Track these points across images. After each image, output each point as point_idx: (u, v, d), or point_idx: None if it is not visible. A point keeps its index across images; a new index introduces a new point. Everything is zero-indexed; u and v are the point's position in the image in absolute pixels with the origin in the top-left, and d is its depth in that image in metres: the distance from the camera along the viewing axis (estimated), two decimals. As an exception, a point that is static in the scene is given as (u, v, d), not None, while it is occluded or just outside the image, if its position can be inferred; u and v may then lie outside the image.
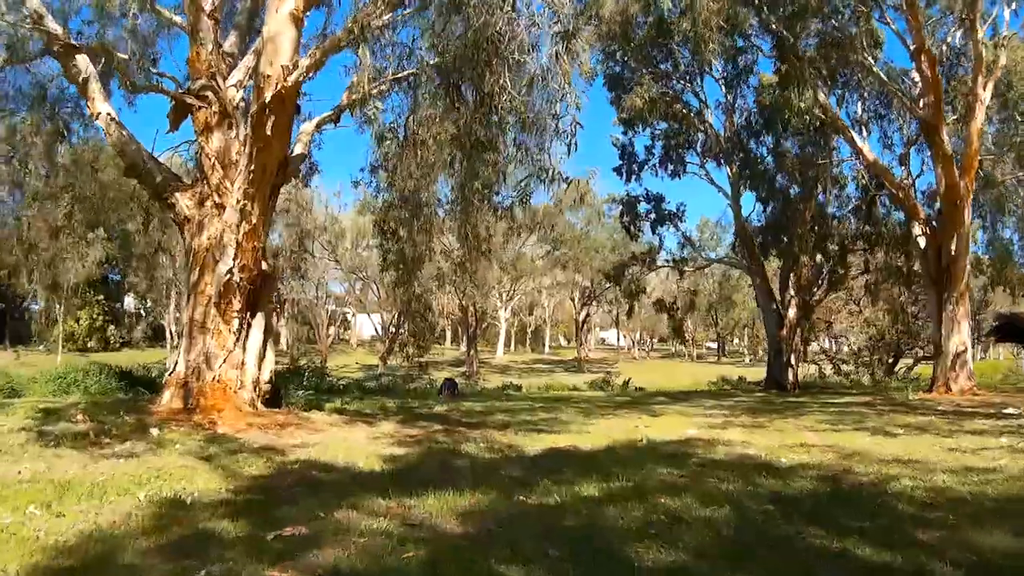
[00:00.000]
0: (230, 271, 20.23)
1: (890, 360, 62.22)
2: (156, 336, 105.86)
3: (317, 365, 51.23)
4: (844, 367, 61.97)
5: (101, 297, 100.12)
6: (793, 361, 48.89)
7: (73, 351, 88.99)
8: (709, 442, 18.48)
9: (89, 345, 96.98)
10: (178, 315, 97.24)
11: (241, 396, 20.54)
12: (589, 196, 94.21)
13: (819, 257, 49.53)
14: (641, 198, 53.79)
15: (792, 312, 48.27)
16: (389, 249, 32.00)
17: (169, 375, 21.50)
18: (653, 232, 54.79)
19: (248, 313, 21.27)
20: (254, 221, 20.20)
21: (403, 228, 30.90)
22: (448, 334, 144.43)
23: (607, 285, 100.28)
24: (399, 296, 40.29)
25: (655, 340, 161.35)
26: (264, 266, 22.06)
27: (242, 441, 16.99)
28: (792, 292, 48.74)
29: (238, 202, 19.96)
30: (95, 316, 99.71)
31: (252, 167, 19.60)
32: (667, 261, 57.69)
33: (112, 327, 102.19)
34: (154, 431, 17.19)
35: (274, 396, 22.62)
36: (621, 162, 53.60)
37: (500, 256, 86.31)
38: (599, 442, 18.48)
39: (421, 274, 36.81)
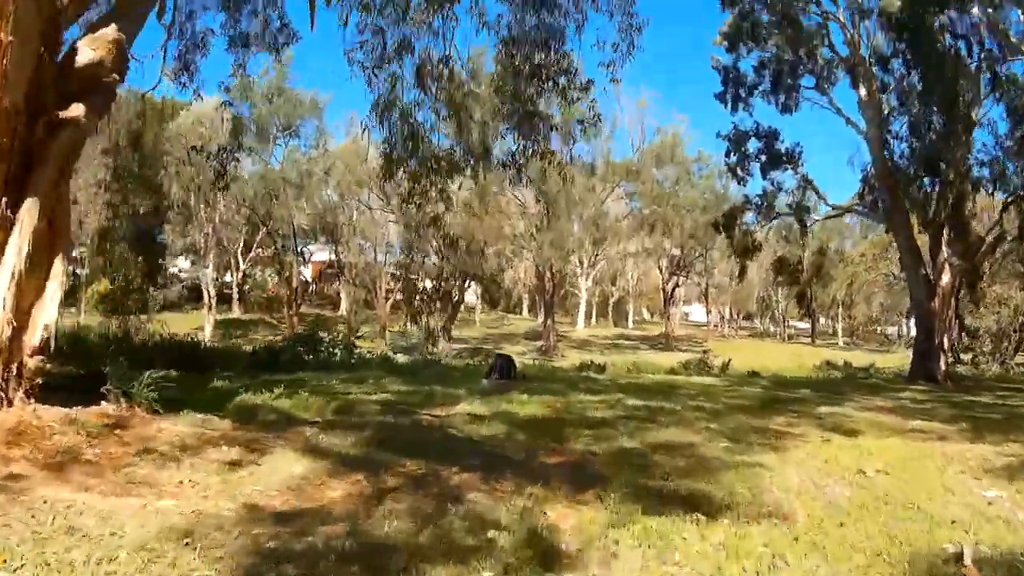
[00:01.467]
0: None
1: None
2: (197, 297, 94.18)
3: (346, 334, 41.11)
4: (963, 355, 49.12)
5: (140, 257, 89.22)
6: (945, 344, 36.77)
7: (107, 313, 76.65)
8: None
9: (125, 307, 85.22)
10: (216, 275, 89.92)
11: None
12: (678, 151, 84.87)
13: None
14: (751, 133, 42.51)
15: (946, 278, 35.95)
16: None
17: None
18: (764, 176, 43.13)
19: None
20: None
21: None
22: (524, 303, 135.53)
23: (698, 253, 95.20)
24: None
25: (740, 317, 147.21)
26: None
27: None
28: (947, 252, 36.04)
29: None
30: (132, 276, 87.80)
31: None
32: (789, 206, 44.46)
33: (152, 289, 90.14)
34: None
35: (91, 377, 12.51)
36: (724, 87, 42.45)
37: (580, 211, 79.19)
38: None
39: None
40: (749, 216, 44.71)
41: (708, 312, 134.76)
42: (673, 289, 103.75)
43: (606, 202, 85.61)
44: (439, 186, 21.10)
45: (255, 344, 35.92)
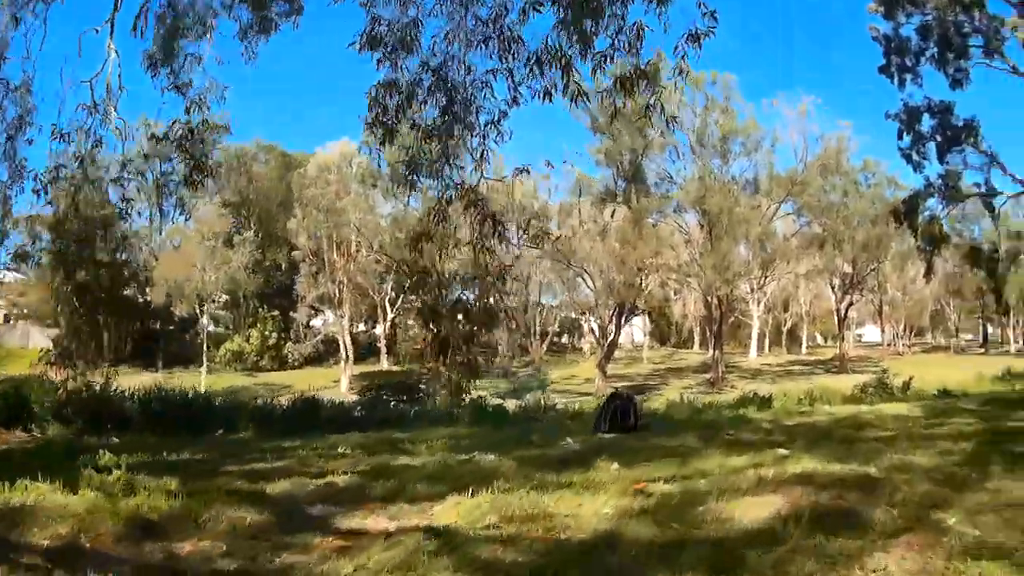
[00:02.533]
0: None
1: None
2: (334, 351, 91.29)
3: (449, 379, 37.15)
4: None
5: (276, 312, 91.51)
6: None
7: (241, 371, 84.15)
8: None
9: (261, 364, 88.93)
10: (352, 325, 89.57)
11: None
12: (843, 160, 77.89)
13: None
14: (922, 108, 37.56)
15: None
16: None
17: None
18: (941, 158, 37.79)
19: None
20: None
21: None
22: (696, 337, 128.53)
23: (870, 268, 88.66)
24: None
25: (912, 333, 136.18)
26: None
27: None
28: None
29: None
30: (268, 332, 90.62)
31: None
32: (978, 186, 38.57)
33: (290, 344, 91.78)
34: None
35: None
36: (887, 59, 37.78)
37: (745, 231, 73.34)
38: None
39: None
40: (932, 202, 38.39)
41: (882, 331, 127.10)
42: (846, 309, 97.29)
43: (773, 220, 79.28)
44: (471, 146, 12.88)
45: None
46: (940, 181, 37.39)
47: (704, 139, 72.11)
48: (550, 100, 12.73)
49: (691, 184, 71.52)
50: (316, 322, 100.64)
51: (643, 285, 73.53)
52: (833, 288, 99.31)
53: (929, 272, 45.76)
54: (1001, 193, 37.93)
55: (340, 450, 14.46)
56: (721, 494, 9.07)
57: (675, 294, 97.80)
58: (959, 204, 40.38)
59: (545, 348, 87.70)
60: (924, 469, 10.38)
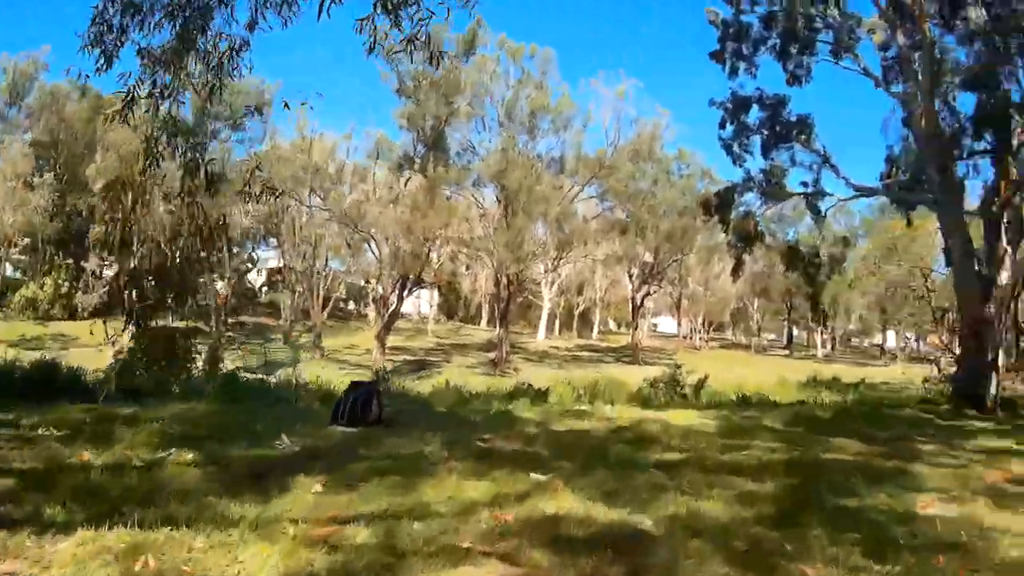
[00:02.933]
0: None
1: None
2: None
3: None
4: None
5: (70, 261, 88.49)
6: (1002, 359, 27.69)
7: (34, 320, 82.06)
8: None
9: (52, 313, 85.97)
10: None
11: None
12: (657, 147, 77.20)
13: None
14: (753, 99, 35.03)
15: (1006, 275, 27.60)
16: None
17: None
18: (766, 154, 35.14)
19: None
20: None
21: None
22: (484, 313, 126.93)
23: (672, 259, 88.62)
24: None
25: (711, 328, 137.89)
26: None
27: None
28: (1007, 238, 27.78)
29: None
30: (61, 280, 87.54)
31: None
32: (804, 185, 36.13)
33: (81, 294, 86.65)
34: None
35: None
36: (721, 44, 35.00)
37: (544, 210, 71.77)
38: None
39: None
40: (750, 197, 36.42)
41: (679, 324, 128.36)
42: (643, 299, 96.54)
43: (574, 201, 77.88)
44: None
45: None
46: (762, 176, 35.61)
47: (513, 113, 70.83)
48: (290, 9, 10.28)
49: (493, 157, 70.18)
50: (111, 272, 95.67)
51: (432, 257, 72.22)
52: (631, 276, 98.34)
53: (738, 269, 44.17)
54: (831, 195, 36.00)
55: (39, 431, 11.69)
56: (430, 555, 6.40)
57: (466, 268, 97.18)
58: (779, 203, 39.07)
59: (327, 314, 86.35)
60: (718, 529, 7.81)
